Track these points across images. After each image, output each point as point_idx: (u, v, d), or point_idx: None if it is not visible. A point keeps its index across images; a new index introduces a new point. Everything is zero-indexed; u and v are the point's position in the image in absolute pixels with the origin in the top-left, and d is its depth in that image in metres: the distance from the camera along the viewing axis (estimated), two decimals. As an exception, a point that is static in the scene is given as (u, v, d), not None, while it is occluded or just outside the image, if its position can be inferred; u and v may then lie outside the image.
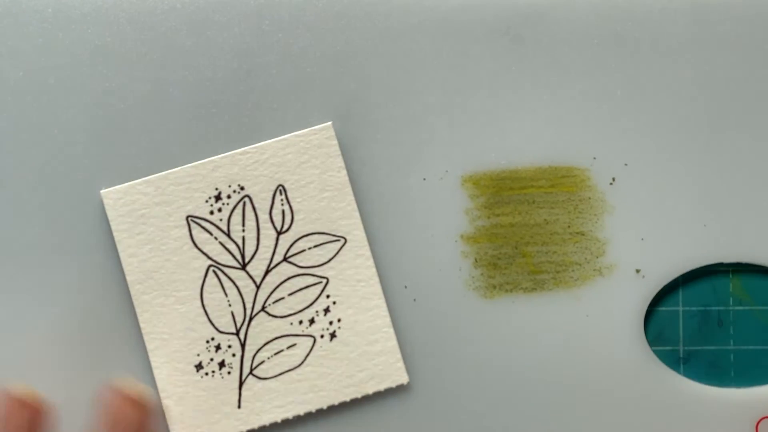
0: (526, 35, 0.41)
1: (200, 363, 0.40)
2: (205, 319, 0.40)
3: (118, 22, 0.41)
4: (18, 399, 0.35)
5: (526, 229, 0.40)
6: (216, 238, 0.40)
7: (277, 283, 0.40)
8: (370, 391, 0.40)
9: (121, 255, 0.40)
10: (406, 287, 0.41)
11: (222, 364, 0.40)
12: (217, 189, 0.40)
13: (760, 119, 0.41)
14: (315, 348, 0.40)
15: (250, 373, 0.40)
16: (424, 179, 0.41)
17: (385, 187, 0.41)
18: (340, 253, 0.40)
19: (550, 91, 0.41)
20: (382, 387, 0.40)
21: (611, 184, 0.41)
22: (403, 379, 0.40)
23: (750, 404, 0.40)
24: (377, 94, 0.41)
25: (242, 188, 0.40)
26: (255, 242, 0.40)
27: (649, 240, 0.40)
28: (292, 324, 0.40)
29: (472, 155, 0.41)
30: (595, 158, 0.41)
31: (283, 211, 0.40)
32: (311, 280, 0.40)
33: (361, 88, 0.41)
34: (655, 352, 0.41)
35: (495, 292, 0.41)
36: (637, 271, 0.40)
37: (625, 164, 0.41)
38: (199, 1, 0.41)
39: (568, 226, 0.40)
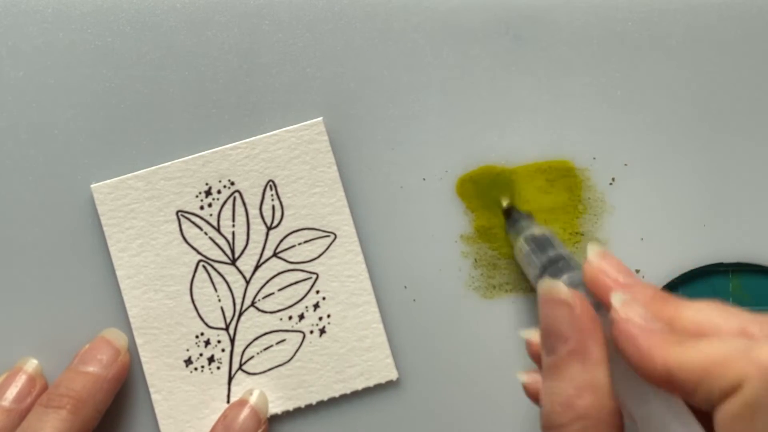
0: (526, 35, 0.41)
1: (189, 358, 0.40)
2: (195, 314, 0.40)
3: (118, 22, 0.41)
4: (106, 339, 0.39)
5: (526, 229, 0.40)
6: (206, 233, 0.40)
7: (267, 278, 0.40)
8: (360, 387, 0.40)
9: (111, 249, 0.40)
10: (406, 287, 0.41)
11: (211, 359, 0.40)
12: (207, 184, 0.40)
13: (759, 119, 0.40)
14: (304, 344, 0.40)
15: (240, 368, 0.40)
16: (424, 179, 0.41)
17: (386, 187, 0.41)
18: (330, 248, 0.40)
19: (550, 91, 0.41)
20: (371, 383, 0.40)
21: (611, 184, 0.41)
22: (393, 375, 0.40)
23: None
24: (377, 94, 0.41)
25: (232, 183, 0.40)
26: (245, 237, 0.40)
27: (649, 240, 0.40)
28: (281, 319, 0.40)
29: (472, 155, 0.41)
30: (595, 158, 0.41)
31: (273, 207, 0.40)
32: (301, 275, 0.40)
33: (361, 88, 0.41)
34: (655, 352, 0.41)
35: (495, 292, 0.40)
36: (637, 271, 0.40)
37: (625, 164, 0.41)
38: (199, 1, 0.41)
39: (568, 226, 0.40)
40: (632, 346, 0.28)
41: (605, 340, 0.29)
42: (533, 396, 0.33)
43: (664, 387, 0.27)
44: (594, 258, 0.32)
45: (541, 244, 0.36)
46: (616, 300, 0.29)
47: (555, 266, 0.34)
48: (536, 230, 0.37)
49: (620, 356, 0.28)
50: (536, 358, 0.33)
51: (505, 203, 0.40)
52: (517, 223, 0.39)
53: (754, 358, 0.25)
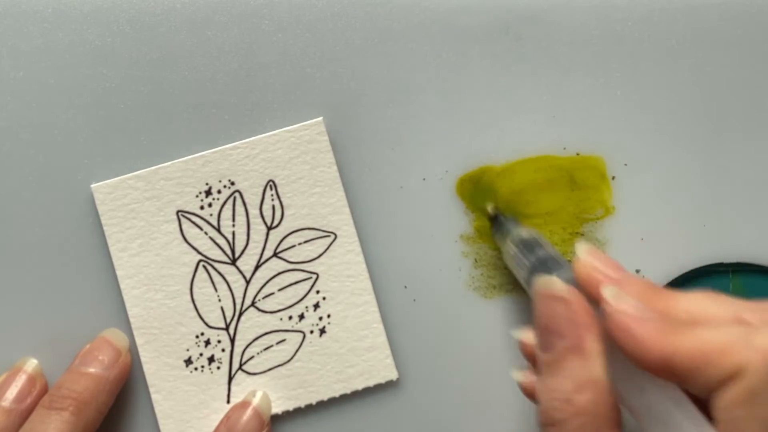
0: (526, 35, 0.41)
1: (190, 358, 0.40)
2: (195, 314, 0.40)
3: (118, 22, 0.41)
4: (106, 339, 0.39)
5: (526, 229, 0.40)
6: (206, 233, 0.40)
7: (267, 278, 0.40)
8: (360, 387, 0.40)
9: (111, 249, 0.40)
10: (406, 287, 0.41)
11: (211, 359, 0.40)
12: (207, 184, 0.40)
13: (759, 119, 0.41)
14: (304, 344, 0.40)
15: (240, 368, 0.40)
16: (424, 179, 0.41)
17: (386, 187, 0.41)
18: (330, 248, 0.40)
19: (549, 91, 0.41)
20: (371, 383, 0.40)
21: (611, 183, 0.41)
22: (393, 375, 0.40)
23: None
24: (377, 94, 0.41)
25: (233, 183, 0.40)
26: (245, 237, 0.40)
27: (649, 240, 0.40)
28: (281, 319, 0.40)
29: (472, 155, 0.41)
30: (595, 158, 0.41)
31: (274, 207, 0.40)
32: (301, 275, 0.40)
33: (361, 88, 0.41)
34: (655, 352, 0.41)
35: (495, 292, 0.41)
36: (637, 271, 0.40)
37: (625, 164, 0.41)
38: (199, 1, 0.41)
39: (569, 226, 0.40)
40: (628, 337, 0.28)
41: (602, 335, 0.29)
42: (529, 394, 0.33)
43: (662, 375, 0.27)
44: (583, 255, 0.32)
45: (529, 245, 0.36)
46: (608, 293, 0.29)
47: (544, 266, 0.34)
48: (523, 232, 0.37)
49: (616, 349, 0.28)
50: (531, 357, 0.33)
51: (490, 208, 0.40)
52: (504, 227, 0.39)
53: (755, 345, 0.26)
